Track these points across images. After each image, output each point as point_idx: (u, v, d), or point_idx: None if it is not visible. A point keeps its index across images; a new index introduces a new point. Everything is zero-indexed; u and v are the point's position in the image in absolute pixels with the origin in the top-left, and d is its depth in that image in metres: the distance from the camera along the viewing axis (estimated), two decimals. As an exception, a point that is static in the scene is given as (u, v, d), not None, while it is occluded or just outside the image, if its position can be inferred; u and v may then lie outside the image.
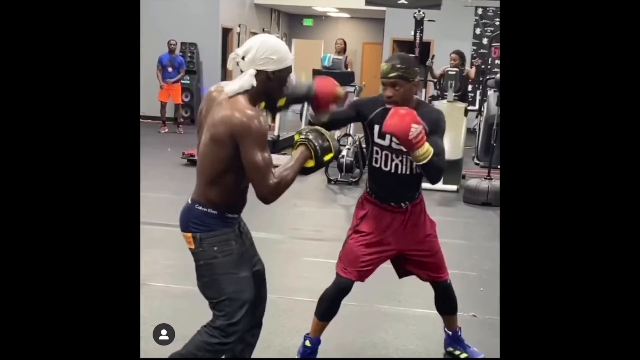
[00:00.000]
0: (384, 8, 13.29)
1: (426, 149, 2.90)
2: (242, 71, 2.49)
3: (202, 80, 13.78)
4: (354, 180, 8.25)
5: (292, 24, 19.15)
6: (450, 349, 3.63)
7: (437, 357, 3.64)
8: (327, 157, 2.65)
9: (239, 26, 14.80)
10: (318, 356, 3.47)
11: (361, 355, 3.62)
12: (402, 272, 3.41)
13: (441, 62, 9.70)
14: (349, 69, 10.47)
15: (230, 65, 2.55)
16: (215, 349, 2.59)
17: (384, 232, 3.18)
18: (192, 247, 2.59)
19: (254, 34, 15.59)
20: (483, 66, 12.91)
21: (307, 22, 19.07)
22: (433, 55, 11.01)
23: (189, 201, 2.61)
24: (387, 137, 3.08)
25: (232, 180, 2.50)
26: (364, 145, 8.88)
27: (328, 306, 3.27)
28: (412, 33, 9.56)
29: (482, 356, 3.56)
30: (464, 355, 3.57)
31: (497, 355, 3.58)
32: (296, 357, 3.41)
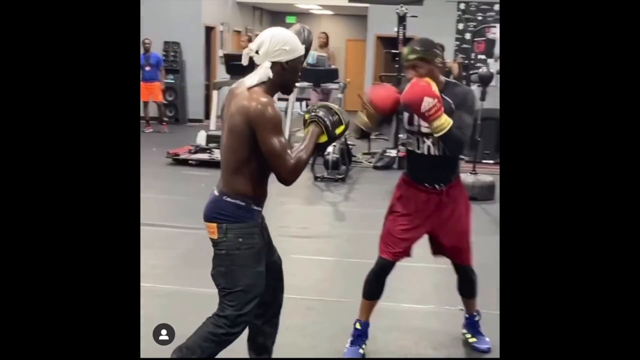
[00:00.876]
0: (367, 5, 13.28)
1: (442, 121, 3.01)
2: (256, 65, 2.60)
3: (185, 80, 13.73)
4: (340, 177, 8.25)
5: (275, 21, 19.11)
6: (464, 330, 3.76)
7: (425, 351, 3.66)
8: (339, 130, 2.74)
9: (222, 25, 14.75)
10: (306, 352, 3.47)
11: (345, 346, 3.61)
12: (435, 251, 3.53)
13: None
14: (332, 64, 10.47)
15: (245, 60, 2.65)
16: (221, 339, 2.65)
17: (417, 212, 3.31)
18: (215, 237, 2.63)
19: (237, 32, 15.57)
20: (466, 61, 12.96)
21: (290, 19, 19.03)
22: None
23: (216, 193, 2.65)
24: (415, 122, 3.22)
25: (254, 169, 2.58)
26: (349, 142, 8.96)
27: (372, 286, 3.42)
28: (395, 29, 9.58)
29: (486, 347, 3.64)
30: (472, 340, 3.70)
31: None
32: (349, 342, 3.53)
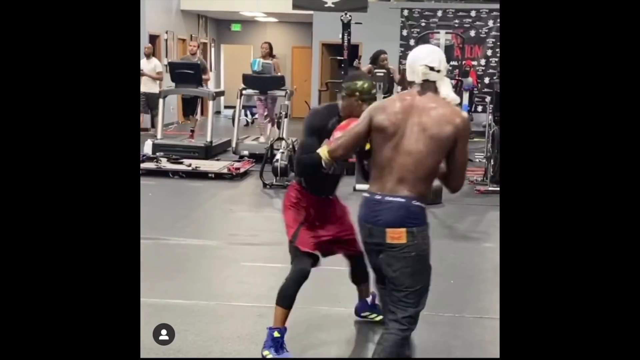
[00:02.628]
0: (311, 12, 13.35)
1: None
2: (424, 81, 2.75)
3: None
4: (289, 184, 8.24)
5: (220, 29, 19.04)
6: (367, 313, 4.03)
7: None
8: None
9: (166, 33, 14.63)
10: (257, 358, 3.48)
11: (303, 356, 3.63)
12: (326, 253, 3.75)
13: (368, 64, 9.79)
14: (278, 73, 10.49)
15: (420, 78, 2.76)
16: (408, 340, 2.81)
17: (321, 219, 3.70)
18: (403, 241, 2.67)
19: (182, 40, 15.46)
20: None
21: (235, 27, 18.98)
22: (360, 56, 11.17)
23: (399, 199, 2.69)
24: None
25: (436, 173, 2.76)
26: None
27: (291, 295, 3.53)
28: (340, 36, 9.66)
29: None
30: (378, 318, 3.91)
31: (424, 355, 3.68)
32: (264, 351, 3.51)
